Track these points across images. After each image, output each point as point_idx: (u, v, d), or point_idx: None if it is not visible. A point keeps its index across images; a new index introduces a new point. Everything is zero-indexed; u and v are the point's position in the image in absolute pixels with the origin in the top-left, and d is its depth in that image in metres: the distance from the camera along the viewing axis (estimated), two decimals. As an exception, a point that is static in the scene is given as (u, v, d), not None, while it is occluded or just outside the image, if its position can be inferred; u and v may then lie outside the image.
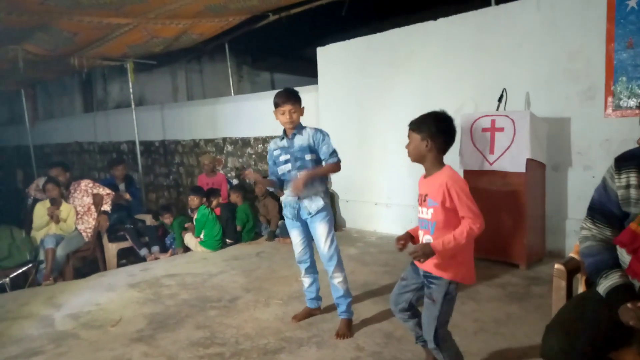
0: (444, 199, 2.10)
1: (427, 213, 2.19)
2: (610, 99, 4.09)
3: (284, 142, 3.16)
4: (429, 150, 2.18)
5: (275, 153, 3.20)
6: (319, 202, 3.08)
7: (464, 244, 2.07)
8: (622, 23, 3.98)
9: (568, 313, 1.81)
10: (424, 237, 2.21)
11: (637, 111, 3.95)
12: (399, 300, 2.38)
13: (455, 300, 2.22)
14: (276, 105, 3.07)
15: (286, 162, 3.13)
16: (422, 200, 2.22)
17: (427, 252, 2.05)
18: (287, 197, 3.18)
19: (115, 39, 6.10)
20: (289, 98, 3.04)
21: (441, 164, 2.22)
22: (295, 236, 3.24)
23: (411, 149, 2.25)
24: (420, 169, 2.30)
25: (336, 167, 3.08)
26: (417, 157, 2.25)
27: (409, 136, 2.27)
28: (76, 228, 5.35)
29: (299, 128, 3.13)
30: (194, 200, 5.76)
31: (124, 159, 8.86)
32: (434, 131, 2.16)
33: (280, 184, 3.25)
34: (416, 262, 2.23)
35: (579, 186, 4.33)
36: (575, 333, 1.68)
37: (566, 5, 4.27)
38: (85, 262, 5.70)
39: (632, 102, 3.98)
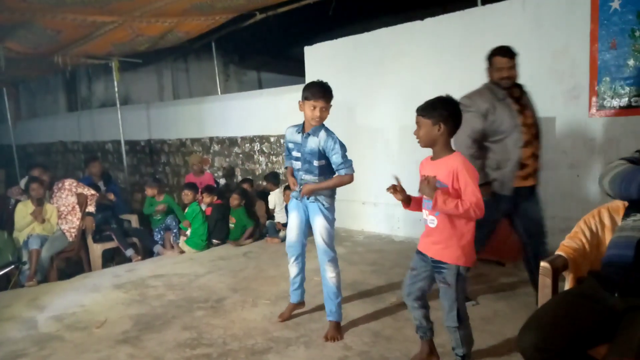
0: (454, 182, 2.20)
1: None
2: (594, 98, 4.14)
3: (298, 138, 3.04)
4: (441, 134, 2.26)
5: (290, 146, 3.13)
6: (321, 199, 3.04)
7: (459, 214, 2.17)
8: (605, 24, 4.03)
9: (546, 310, 1.84)
10: (429, 217, 2.32)
11: (620, 111, 4.00)
12: (412, 290, 2.47)
13: (467, 277, 2.35)
14: (306, 98, 2.92)
15: (297, 159, 3.08)
16: (429, 182, 2.27)
17: (432, 186, 2.18)
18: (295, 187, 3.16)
19: (100, 37, 6.01)
20: (325, 95, 2.90)
21: (450, 149, 2.32)
22: (293, 218, 3.18)
23: (422, 134, 2.31)
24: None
25: (346, 179, 2.95)
26: (428, 142, 2.32)
27: (417, 122, 2.32)
28: (60, 228, 5.26)
29: (316, 128, 2.98)
30: (188, 196, 5.72)
31: (97, 156, 8.75)
32: (446, 115, 2.25)
33: None
34: (424, 251, 2.37)
35: (564, 185, 4.38)
36: (550, 330, 1.70)
37: (551, 5, 4.31)
38: (69, 263, 5.62)
39: (616, 102, 4.03)
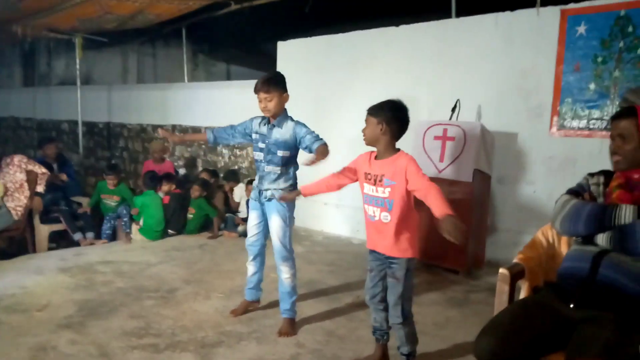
0: (403, 178, 2.29)
1: (383, 192, 2.35)
2: (555, 118, 4.27)
3: (264, 130, 3.02)
4: (384, 133, 2.37)
5: (254, 136, 3.08)
6: (278, 193, 2.98)
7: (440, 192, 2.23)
8: (571, 47, 4.17)
9: (504, 317, 1.87)
10: (382, 215, 2.38)
11: (578, 132, 4.15)
12: (375, 292, 2.50)
13: (414, 273, 2.43)
14: (254, 91, 2.95)
15: (260, 150, 3.04)
16: (378, 180, 2.37)
17: (456, 223, 2.04)
18: (255, 181, 3.15)
19: (65, 10, 5.76)
20: (264, 85, 2.89)
21: (395, 149, 2.42)
22: (253, 219, 3.15)
23: (367, 132, 2.43)
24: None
25: (325, 149, 2.80)
26: (371, 140, 2.43)
27: (366, 120, 2.44)
28: (4, 205, 4.98)
29: (280, 119, 2.98)
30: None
31: (54, 137, 8.37)
32: (390, 117, 2.36)
33: (214, 142, 3.23)
34: (374, 248, 2.45)
35: (521, 199, 4.50)
36: (507, 336, 1.73)
37: (522, 24, 4.43)
38: (12, 243, 5.31)
39: (575, 123, 4.18)
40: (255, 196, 3.13)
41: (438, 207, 2.13)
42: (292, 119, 3.03)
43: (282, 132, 2.97)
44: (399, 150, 2.42)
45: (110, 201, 5.84)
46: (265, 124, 3.04)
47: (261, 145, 3.04)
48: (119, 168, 6.30)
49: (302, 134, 2.93)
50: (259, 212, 3.12)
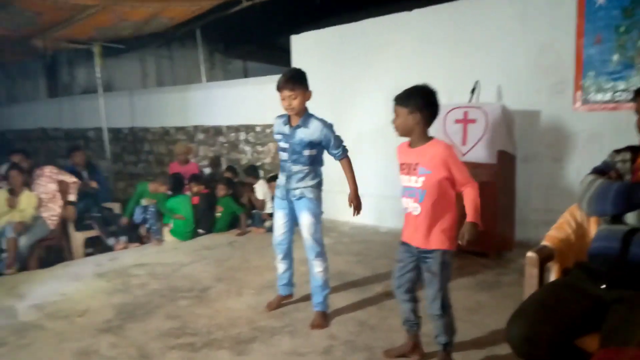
0: (439, 168, 2.22)
1: (417, 181, 2.27)
2: (579, 93, 4.18)
3: (286, 130, 2.99)
4: (417, 123, 2.27)
5: (277, 137, 3.08)
6: (308, 191, 3.01)
7: (478, 201, 2.24)
8: (591, 19, 4.07)
9: (534, 301, 1.85)
10: (412, 205, 2.31)
11: (604, 105, 4.05)
12: (401, 282, 2.46)
13: (451, 265, 2.36)
14: (277, 90, 2.90)
15: (284, 150, 3.02)
16: (412, 169, 2.29)
17: (472, 231, 2.19)
18: (280, 180, 3.13)
19: (82, 20, 5.88)
20: (287, 82, 2.84)
21: (428, 136, 2.32)
22: (279, 217, 3.15)
23: (399, 123, 2.32)
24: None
25: (349, 166, 3.06)
26: (404, 131, 2.33)
27: (395, 111, 2.33)
28: (40, 216, 5.16)
29: (305, 118, 2.94)
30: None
31: (81, 145, 8.57)
32: (422, 104, 2.25)
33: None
34: (409, 241, 2.37)
35: (548, 178, 4.43)
36: (539, 321, 1.71)
37: (538, 0, 4.33)
38: (50, 251, 5.51)
39: (600, 97, 4.08)
40: (282, 195, 3.10)
41: (468, 210, 2.21)
42: (316, 118, 2.97)
43: (309, 132, 2.92)
44: (432, 138, 2.33)
45: (148, 203, 5.83)
46: (286, 124, 3.01)
47: (284, 145, 3.02)
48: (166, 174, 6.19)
49: (328, 139, 2.96)
50: (285, 211, 3.12)
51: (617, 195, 1.80)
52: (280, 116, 3.08)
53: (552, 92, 4.33)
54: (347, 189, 3.09)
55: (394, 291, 2.55)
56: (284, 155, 3.05)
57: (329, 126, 2.96)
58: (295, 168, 3.00)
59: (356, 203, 3.05)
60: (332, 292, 3.46)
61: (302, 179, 3.00)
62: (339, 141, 3.00)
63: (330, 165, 3.04)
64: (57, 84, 11.83)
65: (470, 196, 2.24)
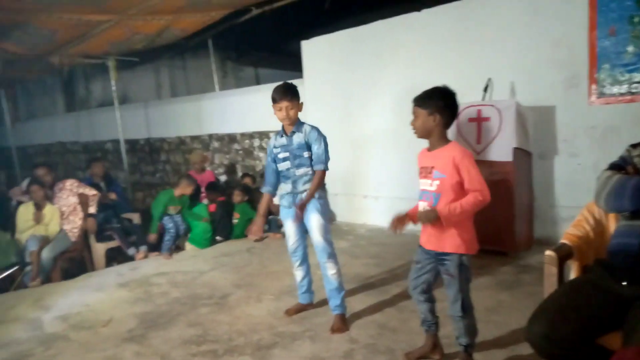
0: (453, 171, 2.20)
1: (432, 185, 2.27)
2: (594, 86, 4.13)
3: (284, 140, 3.14)
4: (437, 125, 2.26)
5: (275, 151, 3.18)
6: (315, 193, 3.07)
7: (470, 211, 2.19)
8: (603, 10, 4.01)
9: (554, 300, 1.83)
10: (427, 209, 2.29)
11: (620, 98, 3.99)
12: (417, 283, 2.46)
13: (470, 267, 2.33)
14: (273, 100, 3.05)
15: (285, 159, 3.13)
16: (428, 172, 2.29)
17: (430, 216, 2.18)
18: (285, 188, 3.18)
19: (96, 36, 5.99)
20: (286, 94, 3.00)
21: (446, 139, 2.32)
22: (290, 226, 3.21)
23: (418, 124, 2.32)
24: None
25: (320, 179, 3.06)
26: (424, 133, 2.32)
27: (414, 112, 2.33)
28: (62, 229, 5.26)
29: (297, 125, 3.10)
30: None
31: (100, 157, 8.71)
32: (442, 106, 2.25)
33: (275, 190, 3.28)
34: (425, 245, 2.37)
35: (566, 173, 4.37)
36: (559, 319, 1.70)
37: (549, -7, 4.29)
38: (72, 263, 5.61)
39: (616, 89, 4.02)
40: (288, 203, 3.17)
41: (453, 204, 2.19)
42: (307, 124, 3.13)
43: (301, 136, 3.08)
44: (450, 141, 2.32)
45: (174, 211, 5.72)
46: (281, 136, 3.15)
47: (284, 155, 3.13)
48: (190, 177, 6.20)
49: (312, 141, 3.05)
50: (294, 218, 3.17)
51: (634, 191, 1.78)
52: (275, 132, 3.23)
53: (567, 87, 4.28)
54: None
55: (410, 292, 2.55)
56: (285, 165, 3.14)
57: (317, 131, 3.09)
58: (300, 172, 3.09)
59: (301, 211, 3.05)
60: (351, 295, 3.47)
61: (308, 181, 3.09)
62: (320, 152, 3.04)
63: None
64: (74, 98, 12.04)
65: (466, 199, 2.19)
